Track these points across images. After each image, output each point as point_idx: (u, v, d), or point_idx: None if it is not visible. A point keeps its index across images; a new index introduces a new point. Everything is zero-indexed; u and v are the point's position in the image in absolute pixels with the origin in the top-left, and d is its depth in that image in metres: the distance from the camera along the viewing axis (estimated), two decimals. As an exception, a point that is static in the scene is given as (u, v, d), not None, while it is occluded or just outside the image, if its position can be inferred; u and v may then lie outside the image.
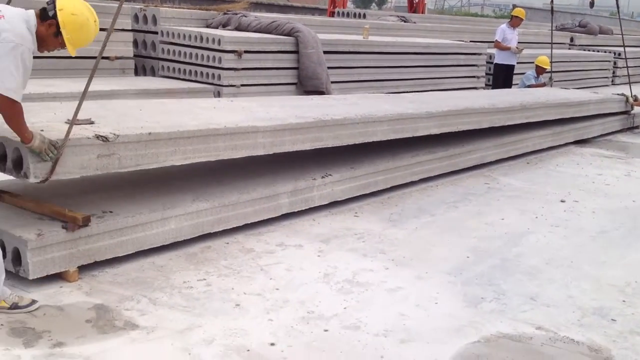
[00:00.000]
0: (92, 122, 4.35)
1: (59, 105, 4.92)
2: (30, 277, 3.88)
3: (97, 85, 7.57)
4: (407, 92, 11.89)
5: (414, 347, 3.60)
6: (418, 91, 12.06)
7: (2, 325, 3.46)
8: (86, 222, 4.12)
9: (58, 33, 3.61)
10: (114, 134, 4.19)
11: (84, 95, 4.01)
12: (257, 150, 5.16)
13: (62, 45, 3.67)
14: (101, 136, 4.11)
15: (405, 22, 16.21)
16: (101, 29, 4.05)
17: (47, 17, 3.60)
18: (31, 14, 3.59)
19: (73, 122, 3.96)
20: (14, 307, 3.60)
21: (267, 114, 5.57)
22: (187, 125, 4.71)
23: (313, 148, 5.66)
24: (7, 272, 3.81)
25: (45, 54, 3.84)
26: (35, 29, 3.57)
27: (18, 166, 3.87)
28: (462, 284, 4.48)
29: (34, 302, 3.68)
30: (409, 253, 4.97)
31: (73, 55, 3.78)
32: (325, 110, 6.13)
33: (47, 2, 3.64)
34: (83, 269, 4.16)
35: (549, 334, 3.86)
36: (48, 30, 3.61)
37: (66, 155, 3.90)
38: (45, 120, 4.25)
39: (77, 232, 4.08)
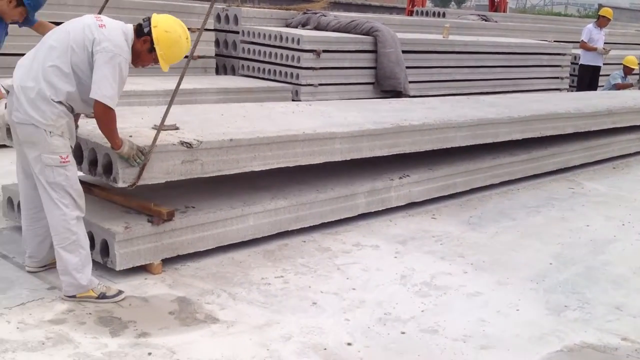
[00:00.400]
0: (177, 128, 4.48)
1: (147, 110, 5.07)
2: (117, 269, 4.02)
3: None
4: (488, 93, 11.70)
5: (494, 354, 3.53)
6: (499, 92, 11.88)
7: (90, 314, 3.60)
8: (170, 216, 4.23)
9: (152, 49, 3.73)
10: (198, 141, 4.29)
11: (170, 103, 4.10)
12: (334, 156, 5.19)
13: (156, 60, 3.79)
14: (185, 143, 4.22)
15: (486, 21, 15.90)
16: (188, 29, 4.14)
17: (142, 34, 3.73)
18: (129, 28, 3.74)
19: (160, 128, 4.08)
20: (102, 296, 3.74)
21: (344, 119, 5.59)
22: (267, 132, 4.78)
23: (390, 154, 5.64)
24: (95, 263, 3.97)
25: None
26: (132, 43, 3.71)
27: (108, 171, 4.01)
28: (545, 291, 4.36)
29: (120, 292, 3.81)
30: (489, 257, 4.87)
31: (165, 71, 3.89)
32: (404, 114, 6.10)
33: (143, 20, 3.77)
34: (166, 262, 4.27)
35: (634, 345, 3.71)
36: (143, 46, 3.74)
37: (152, 161, 4.03)
38: (133, 125, 4.41)
39: (161, 226, 4.20)
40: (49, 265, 3.98)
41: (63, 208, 3.61)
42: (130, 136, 4.02)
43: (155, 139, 4.01)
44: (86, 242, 3.73)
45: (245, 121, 5.09)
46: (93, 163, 4.10)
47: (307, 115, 5.67)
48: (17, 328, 3.37)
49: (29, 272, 3.97)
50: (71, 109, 3.65)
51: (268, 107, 6.00)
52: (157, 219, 4.19)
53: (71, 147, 3.69)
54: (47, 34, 3.74)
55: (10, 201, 4.64)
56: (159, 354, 3.26)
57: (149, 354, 3.25)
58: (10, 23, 4.62)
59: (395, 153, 5.66)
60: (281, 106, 6.12)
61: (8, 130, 4.46)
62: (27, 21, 4.74)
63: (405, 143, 5.70)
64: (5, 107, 3.75)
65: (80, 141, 4.08)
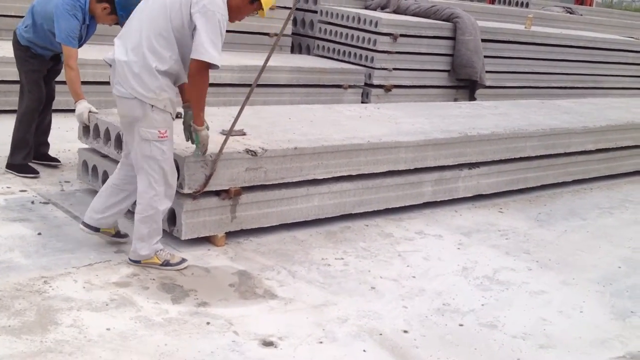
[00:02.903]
0: (244, 134, 4.55)
1: (216, 111, 5.06)
2: (183, 238, 4.11)
3: (255, 60, 7.84)
4: (566, 87, 11.36)
5: (554, 354, 3.44)
6: (578, 87, 11.50)
7: (153, 279, 3.69)
8: (238, 193, 4.28)
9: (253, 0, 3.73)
10: (263, 149, 4.34)
11: (241, 111, 4.12)
12: (398, 165, 5.14)
13: (256, 9, 3.77)
14: (251, 151, 4.27)
15: (571, 13, 15.36)
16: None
17: None
18: None
19: (229, 135, 4.14)
20: (166, 264, 3.83)
21: (412, 126, 5.54)
22: (332, 140, 4.79)
23: (456, 164, 5.54)
24: (162, 230, 4.06)
25: None
26: None
27: None
28: (611, 294, 4.21)
29: (183, 260, 3.90)
30: (555, 256, 4.74)
31: (263, 17, 3.96)
32: (473, 122, 5.99)
33: None
34: (230, 235, 4.34)
35: None
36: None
37: (218, 168, 4.09)
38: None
39: (227, 200, 4.26)
40: (102, 233, 4.00)
41: (152, 183, 3.69)
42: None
43: (222, 146, 4.07)
44: (160, 217, 3.81)
45: (312, 126, 5.11)
46: None
47: (374, 121, 5.64)
48: (83, 287, 3.49)
49: (81, 228, 3.95)
50: (174, 80, 3.69)
51: (336, 111, 5.99)
52: (224, 194, 4.25)
53: (173, 118, 3.74)
54: (140, 3, 3.74)
55: (85, 164, 4.80)
56: (217, 324, 3.32)
57: (208, 323, 3.32)
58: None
59: (461, 162, 5.56)
60: (349, 110, 6.10)
61: (85, 128, 4.62)
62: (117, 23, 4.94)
63: (473, 153, 5.61)
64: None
65: None
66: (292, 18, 9.92)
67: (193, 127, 3.85)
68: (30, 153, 5.11)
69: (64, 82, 4.86)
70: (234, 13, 3.74)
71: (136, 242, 3.77)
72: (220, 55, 3.58)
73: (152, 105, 3.58)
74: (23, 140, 5.04)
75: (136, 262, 3.81)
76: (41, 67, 5.03)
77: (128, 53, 3.57)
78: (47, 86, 5.14)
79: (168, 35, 3.57)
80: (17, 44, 5.01)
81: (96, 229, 3.94)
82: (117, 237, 4.04)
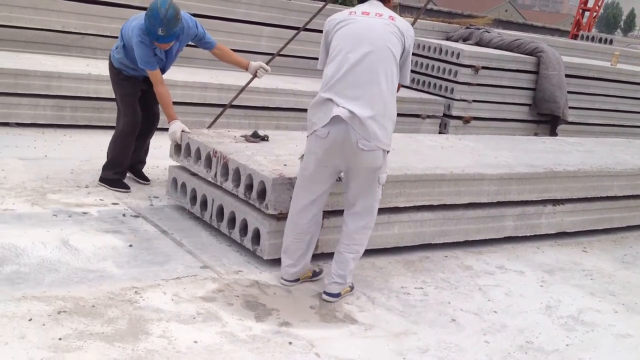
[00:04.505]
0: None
1: (301, 136, 5.17)
2: (265, 258, 4.18)
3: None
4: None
5: (643, 402, 3.32)
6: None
7: (237, 296, 3.77)
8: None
9: None
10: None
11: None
12: (480, 197, 5.10)
13: None
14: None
15: (657, 51, 14.94)
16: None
17: None
18: None
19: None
20: (315, 274, 4.16)
21: (495, 159, 5.50)
22: (414, 169, 4.80)
23: (540, 199, 5.45)
24: (245, 249, 4.15)
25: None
26: None
27: (261, 196, 4.20)
28: None
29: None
30: (643, 300, 4.59)
31: None
32: (558, 157, 5.90)
33: None
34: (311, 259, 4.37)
35: None
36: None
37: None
38: (287, 153, 4.65)
39: (309, 223, 4.31)
40: (301, 280, 4.08)
41: (371, 223, 3.96)
42: (285, 165, 4.31)
43: None
44: None
45: (394, 154, 5.08)
46: (249, 187, 4.29)
47: (456, 152, 5.62)
48: (172, 300, 3.59)
49: (283, 284, 4.01)
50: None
51: (417, 140, 5.99)
52: (306, 215, 4.31)
53: None
54: (345, 51, 3.70)
55: (174, 181, 4.96)
56: (299, 345, 3.35)
57: (290, 343, 3.36)
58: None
59: (545, 198, 5.47)
60: (430, 139, 6.09)
61: (177, 147, 4.78)
62: (203, 43, 5.10)
63: (558, 189, 5.50)
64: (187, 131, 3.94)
65: (239, 167, 4.33)
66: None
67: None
68: (124, 172, 5.25)
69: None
70: None
71: (346, 277, 3.95)
72: None
73: (388, 151, 3.80)
74: (116, 160, 5.19)
75: (337, 296, 3.94)
76: (134, 90, 5.15)
77: (368, 107, 3.63)
78: (149, 109, 5.27)
79: (394, 75, 3.76)
80: (110, 66, 5.19)
81: (296, 280, 4.06)
82: (315, 277, 4.16)
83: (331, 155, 3.75)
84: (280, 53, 6.11)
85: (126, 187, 5.19)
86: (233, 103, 6.16)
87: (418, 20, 11.08)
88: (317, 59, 4.03)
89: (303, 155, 3.93)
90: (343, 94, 3.66)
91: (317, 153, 3.76)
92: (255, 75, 5.20)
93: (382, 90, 3.68)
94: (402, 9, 18.78)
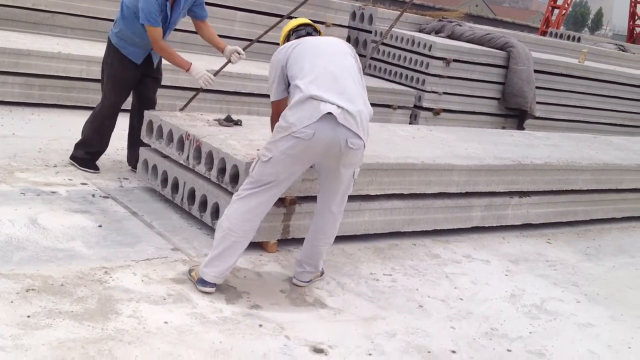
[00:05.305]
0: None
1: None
2: (236, 241, 4.18)
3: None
4: (616, 124, 11.27)
5: (602, 388, 3.42)
6: (628, 125, 11.39)
7: (208, 279, 3.76)
8: (293, 202, 4.36)
9: None
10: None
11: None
12: (450, 187, 5.17)
13: None
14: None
15: (623, 51, 15.25)
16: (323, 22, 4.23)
17: None
18: None
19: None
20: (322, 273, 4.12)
21: (465, 150, 5.58)
22: (386, 158, 4.84)
23: (507, 191, 5.54)
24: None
25: None
26: None
27: (234, 180, 4.20)
28: (661, 334, 4.17)
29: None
30: (604, 291, 4.70)
31: None
32: (525, 151, 6.01)
33: None
34: (281, 243, 4.40)
35: None
36: None
37: None
38: (260, 138, 4.63)
39: (281, 209, 4.33)
40: (314, 280, 4.05)
41: (341, 215, 3.95)
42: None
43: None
44: None
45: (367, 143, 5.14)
46: (221, 171, 4.29)
47: (427, 142, 5.68)
48: (142, 281, 3.58)
49: (294, 283, 3.96)
50: None
51: (389, 130, 6.04)
52: (279, 202, 4.32)
53: None
54: (310, 59, 3.68)
55: (145, 163, 4.92)
56: (269, 327, 3.38)
57: (260, 325, 3.38)
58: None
59: (512, 190, 5.57)
60: (402, 129, 6.15)
61: (149, 128, 4.79)
62: (199, 9, 5.04)
63: (525, 181, 5.61)
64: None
65: (212, 150, 4.32)
66: (347, 11, 10.05)
67: None
68: (96, 154, 5.15)
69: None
70: None
71: (319, 266, 4.00)
72: None
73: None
74: (88, 141, 5.10)
75: (307, 282, 3.98)
76: (123, 73, 4.98)
77: (355, 104, 3.59)
78: (144, 95, 5.15)
79: (361, 82, 3.79)
80: (108, 45, 5.02)
81: (309, 282, 4.01)
82: (321, 277, 4.12)
83: (310, 156, 3.61)
84: (258, 39, 6.09)
85: (95, 168, 5.13)
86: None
87: (389, 10, 11.14)
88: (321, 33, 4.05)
89: (257, 160, 3.66)
90: (326, 89, 3.55)
91: (292, 155, 3.54)
92: (229, 60, 5.18)
93: (358, 87, 3.70)
94: (376, 0, 18.80)
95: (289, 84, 3.73)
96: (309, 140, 3.49)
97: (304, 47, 3.75)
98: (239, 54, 5.11)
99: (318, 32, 4.05)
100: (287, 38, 4.01)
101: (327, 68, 3.63)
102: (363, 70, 3.94)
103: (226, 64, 5.33)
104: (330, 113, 3.48)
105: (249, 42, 5.84)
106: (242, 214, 3.61)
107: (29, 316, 3.02)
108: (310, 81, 3.57)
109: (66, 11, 7.82)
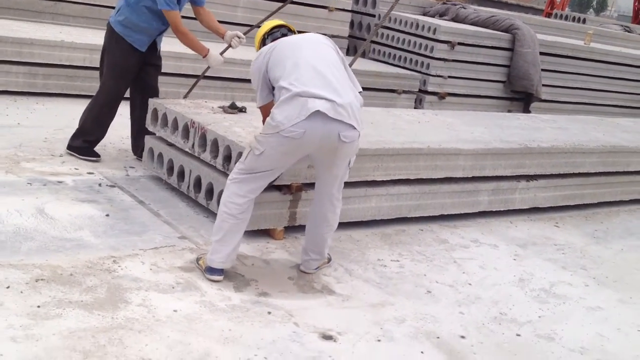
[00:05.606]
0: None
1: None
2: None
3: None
4: (622, 106, 11.19)
5: (612, 371, 3.42)
6: (634, 107, 11.32)
7: (216, 267, 3.76)
8: (299, 189, 4.34)
9: None
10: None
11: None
12: (456, 172, 5.15)
13: None
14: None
15: (629, 32, 15.12)
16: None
17: None
18: None
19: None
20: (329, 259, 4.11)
21: (471, 134, 5.54)
22: (392, 143, 4.81)
23: (514, 175, 5.51)
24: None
25: None
26: None
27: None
28: (670, 317, 4.16)
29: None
30: (612, 274, 4.69)
31: None
32: (532, 134, 5.97)
33: None
34: (288, 230, 4.40)
35: None
36: None
37: None
38: None
39: (287, 196, 4.32)
40: (321, 267, 4.03)
41: (341, 202, 3.90)
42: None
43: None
44: None
45: (372, 128, 5.12)
46: (227, 159, 4.27)
47: (432, 127, 5.65)
48: (150, 269, 3.59)
49: (304, 272, 3.95)
50: None
51: (395, 114, 6.00)
52: (286, 189, 4.32)
53: None
54: (292, 56, 3.63)
55: (151, 151, 4.91)
56: (278, 315, 3.38)
57: (269, 312, 3.38)
58: None
59: (519, 174, 5.54)
60: (407, 114, 6.11)
61: (153, 116, 4.79)
62: (193, 1, 5.02)
63: (531, 165, 5.58)
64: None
65: (218, 138, 4.30)
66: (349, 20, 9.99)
67: None
68: (93, 142, 5.09)
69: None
70: None
71: (324, 253, 3.98)
72: None
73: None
74: (85, 129, 5.04)
75: (315, 269, 3.98)
76: (125, 62, 4.93)
77: (345, 97, 3.55)
78: (146, 84, 5.10)
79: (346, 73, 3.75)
80: (109, 32, 4.94)
81: (316, 269, 3.98)
82: (329, 263, 4.10)
83: (303, 151, 3.61)
84: (259, 25, 6.03)
85: (96, 155, 5.06)
86: (209, 74, 6.10)
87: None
88: (297, 32, 4.00)
89: (249, 151, 3.62)
90: (312, 84, 3.49)
91: (284, 152, 3.53)
92: (229, 45, 5.15)
93: (344, 78, 3.66)
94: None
95: (273, 88, 3.68)
96: (300, 138, 3.46)
97: (282, 47, 3.68)
98: (240, 38, 5.09)
99: (293, 32, 3.99)
100: (263, 42, 3.95)
101: (310, 63, 3.58)
102: (365, 54, 3.93)
103: (227, 48, 5.29)
104: (319, 111, 3.44)
105: (249, 28, 5.79)
106: (238, 197, 3.61)
107: (39, 306, 3.03)
108: (295, 79, 3.52)
109: (69, -1, 7.79)
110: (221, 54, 5.13)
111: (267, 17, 6.06)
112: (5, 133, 5.33)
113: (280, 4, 7.08)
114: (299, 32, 4.02)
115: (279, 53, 3.66)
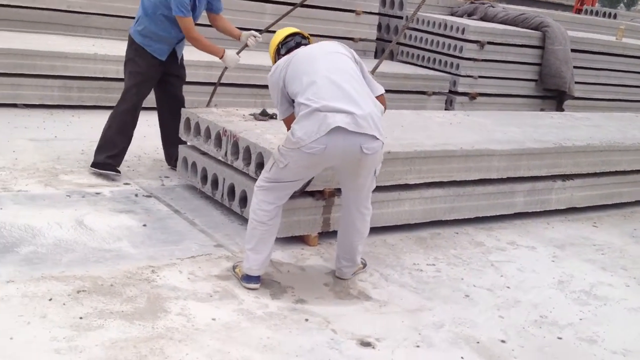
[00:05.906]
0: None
1: None
2: (278, 236, 4.17)
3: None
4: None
5: (657, 374, 3.35)
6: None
7: (252, 274, 3.78)
8: (332, 194, 4.35)
9: None
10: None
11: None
12: (490, 173, 5.10)
13: None
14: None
15: (662, 25, 14.83)
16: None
17: None
18: None
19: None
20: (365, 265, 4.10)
21: (503, 135, 5.49)
22: (424, 145, 4.79)
23: (549, 175, 5.44)
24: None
25: None
26: None
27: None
28: None
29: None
30: (654, 274, 4.61)
31: None
32: (566, 132, 5.89)
33: None
34: (322, 236, 4.40)
35: None
36: None
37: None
38: None
39: (320, 202, 4.33)
40: (357, 272, 4.03)
41: (370, 209, 3.86)
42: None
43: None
44: None
45: (404, 131, 5.11)
46: (259, 166, 4.27)
47: (464, 128, 5.60)
48: (188, 278, 3.62)
49: (339, 278, 3.94)
50: None
51: (425, 116, 5.97)
52: (319, 194, 4.32)
53: None
54: (308, 70, 3.60)
55: (185, 161, 4.96)
56: (315, 321, 3.38)
57: (306, 320, 3.39)
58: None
59: (554, 174, 5.47)
60: (438, 116, 6.07)
61: (186, 126, 4.82)
62: (216, 1, 5.05)
63: (567, 164, 5.51)
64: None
65: (250, 145, 4.33)
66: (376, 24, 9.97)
67: None
68: (119, 155, 5.02)
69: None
70: None
71: (356, 260, 3.95)
72: None
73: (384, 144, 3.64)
74: (110, 142, 4.97)
75: (353, 276, 3.98)
76: (147, 70, 4.94)
77: (365, 107, 3.50)
78: (170, 94, 5.15)
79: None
80: (130, 43, 4.99)
81: (352, 274, 3.99)
82: (364, 269, 4.10)
83: (326, 164, 3.64)
84: (267, 29, 6.04)
85: (117, 172, 4.98)
86: (240, 82, 6.11)
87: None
88: (320, 36, 3.98)
89: (273, 163, 3.63)
90: (330, 97, 3.45)
91: (307, 166, 3.55)
92: (246, 44, 5.18)
93: (362, 88, 3.61)
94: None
95: (292, 101, 3.66)
96: (322, 154, 3.45)
97: (297, 61, 3.64)
98: (255, 37, 5.12)
99: (307, 39, 3.95)
100: (277, 52, 3.92)
101: (326, 76, 3.54)
102: (394, 57, 3.91)
103: (243, 47, 5.30)
104: (339, 126, 3.40)
105: (266, 27, 5.80)
106: (266, 204, 3.63)
107: (81, 317, 3.07)
108: (312, 94, 3.48)
109: (100, 12, 7.90)
110: (238, 53, 5.16)
111: (277, 21, 5.99)
112: (43, 146, 5.43)
113: (302, 9, 7.07)
114: (326, 37, 4.02)
115: (295, 67, 3.62)
